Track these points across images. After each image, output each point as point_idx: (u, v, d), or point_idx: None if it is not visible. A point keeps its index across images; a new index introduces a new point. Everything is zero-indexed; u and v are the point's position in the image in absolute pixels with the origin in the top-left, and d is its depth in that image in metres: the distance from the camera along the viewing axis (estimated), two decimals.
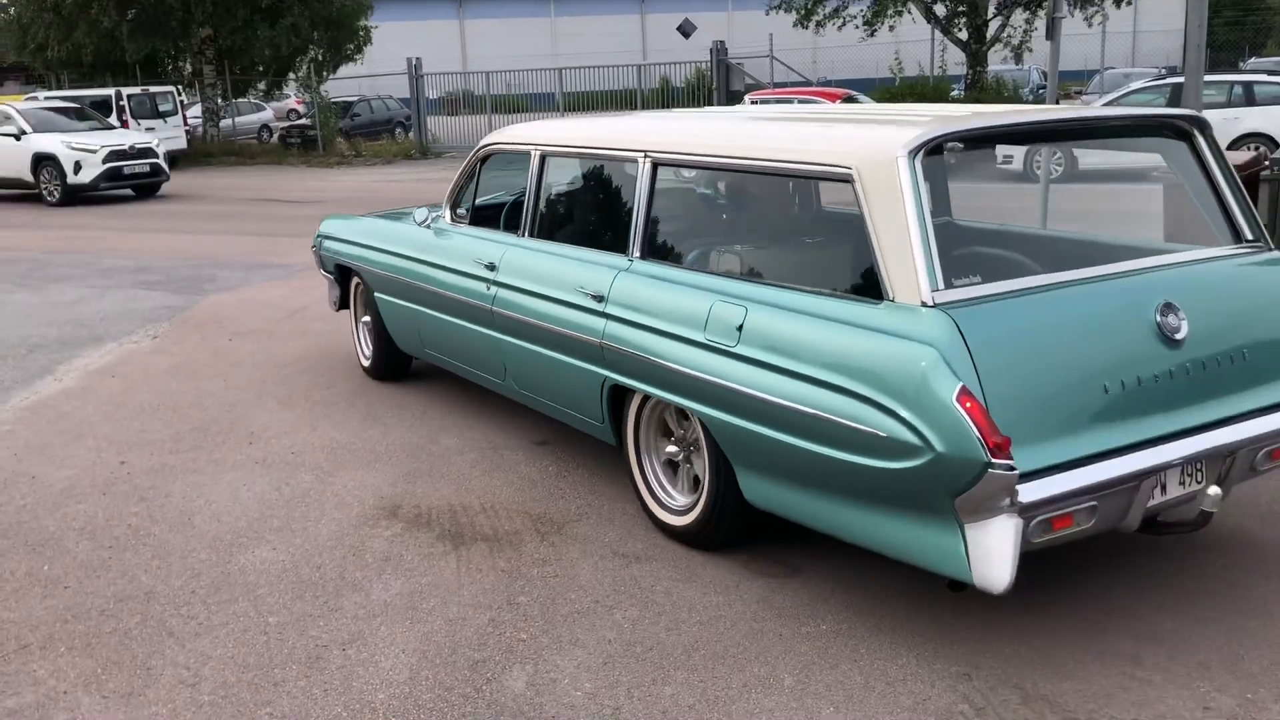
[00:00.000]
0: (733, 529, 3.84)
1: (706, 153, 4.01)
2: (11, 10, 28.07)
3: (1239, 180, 3.83)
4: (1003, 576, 2.83)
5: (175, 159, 25.20)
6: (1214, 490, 3.22)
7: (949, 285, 3.07)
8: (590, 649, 3.31)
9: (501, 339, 4.76)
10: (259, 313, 8.49)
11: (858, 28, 23.31)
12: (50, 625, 3.56)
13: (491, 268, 4.77)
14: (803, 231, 4.34)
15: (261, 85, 30.62)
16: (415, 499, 4.55)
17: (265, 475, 4.89)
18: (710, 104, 24.79)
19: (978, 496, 2.81)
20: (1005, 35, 21.38)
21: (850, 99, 18.13)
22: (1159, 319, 3.23)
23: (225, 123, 29.49)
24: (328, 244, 6.49)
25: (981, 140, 4.05)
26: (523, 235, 4.75)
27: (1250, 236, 3.78)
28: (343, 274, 6.47)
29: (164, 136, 24.66)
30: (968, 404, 2.81)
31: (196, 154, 26.30)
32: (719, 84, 24.36)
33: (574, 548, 4.02)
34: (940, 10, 21.90)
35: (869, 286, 3.22)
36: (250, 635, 3.45)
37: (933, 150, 3.26)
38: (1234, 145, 14.72)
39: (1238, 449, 3.30)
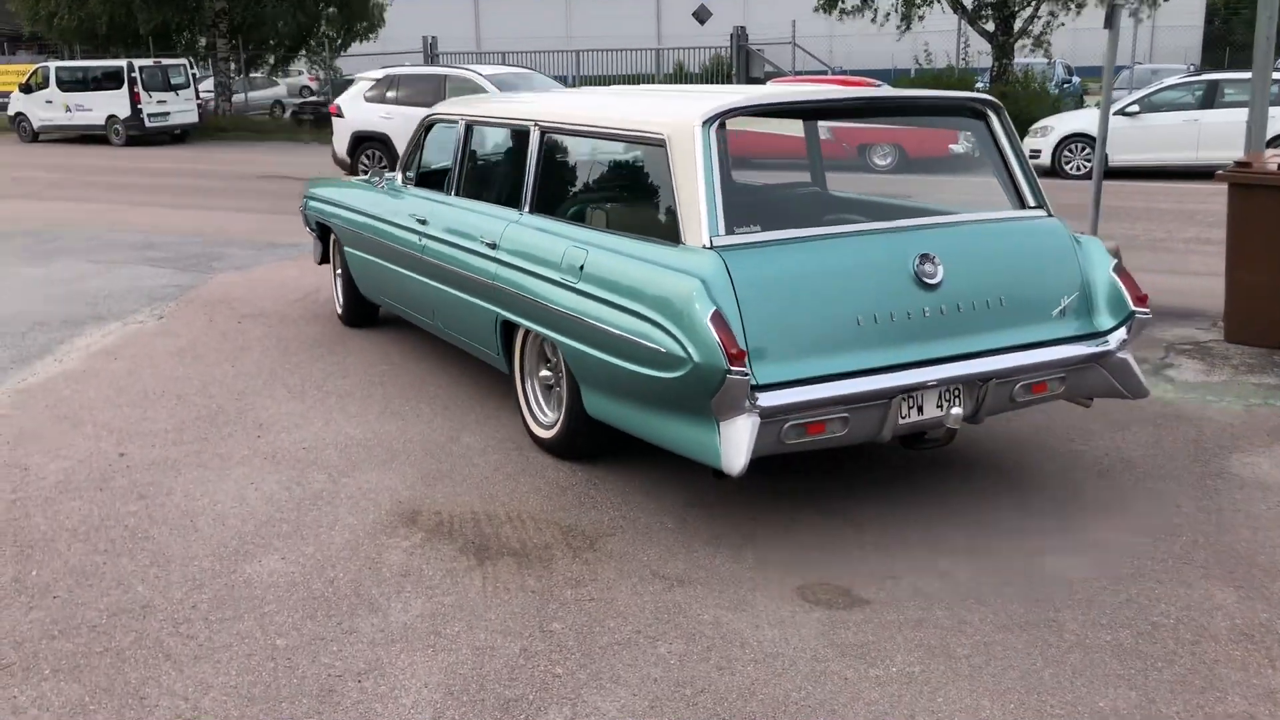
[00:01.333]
0: (586, 441, 4.54)
1: (578, 123, 4.76)
2: None
3: (1024, 155, 4.50)
4: (739, 462, 3.45)
5: (186, 133, 24.93)
6: (956, 411, 3.83)
7: (730, 232, 3.77)
8: (634, 688, 2.97)
9: (428, 283, 5.47)
10: (270, 294, 8.15)
11: (886, 25, 22.89)
12: (36, 641, 3.23)
13: (423, 222, 5.51)
14: (638, 187, 4.85)
15: (271, 60, 30.20)
16: (436, 504, 4.22)
17: (275, 473, 4.55)
18: None
19: (724, 399, 3.46)
20: (1032, 28, 20.89)
21: (874, 89, 17.73)
22: (916, 267, 3.85)
23: (238, 98, 29.10)
24: (311, 204, 7.25)
25: (774, 114, 4.59)
26: (448, 194, 5.50)
27: (1032, 203, 4.43)
28: (323, 231, 7.17)
29: (176, 109, 24.42)
30: (717, 324, 3.47)
31: (208, 128, 25.95)
32: (738, 70, 23.92)
33: (609, 566, 3.68)
34: (968, 1, 21.41)
35: (671, 232, 3.89)
36: (256, 661, 3.11)
37: (723, 122, 3.92)
38: (1272, 143, 14.33)
39: (989, 379, 3.88)
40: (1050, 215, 4.41)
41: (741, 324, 3.57)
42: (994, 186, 4.48)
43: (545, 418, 4.78)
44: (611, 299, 3.95)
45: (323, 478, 4.50)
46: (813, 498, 4.21)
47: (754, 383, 3.51)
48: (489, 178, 5.60)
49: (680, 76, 26.48)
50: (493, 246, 4.78)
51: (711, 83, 25.31)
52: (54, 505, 4.23)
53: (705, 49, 25.89)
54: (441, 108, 6.02)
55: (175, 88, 24.63)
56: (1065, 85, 25.72)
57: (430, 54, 26.36)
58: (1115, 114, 15.89)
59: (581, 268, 4.16)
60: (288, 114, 30.07)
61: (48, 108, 25.03)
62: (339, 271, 6.98)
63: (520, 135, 5.08)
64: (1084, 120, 16.03)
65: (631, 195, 4.87)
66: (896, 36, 22.90)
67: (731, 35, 23.76)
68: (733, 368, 3.42)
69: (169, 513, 4.16)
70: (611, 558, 3.74)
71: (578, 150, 5.21)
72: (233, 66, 28.56)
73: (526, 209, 4.77)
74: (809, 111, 5.13)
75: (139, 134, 23.94)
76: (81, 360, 6.37)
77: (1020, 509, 4.15)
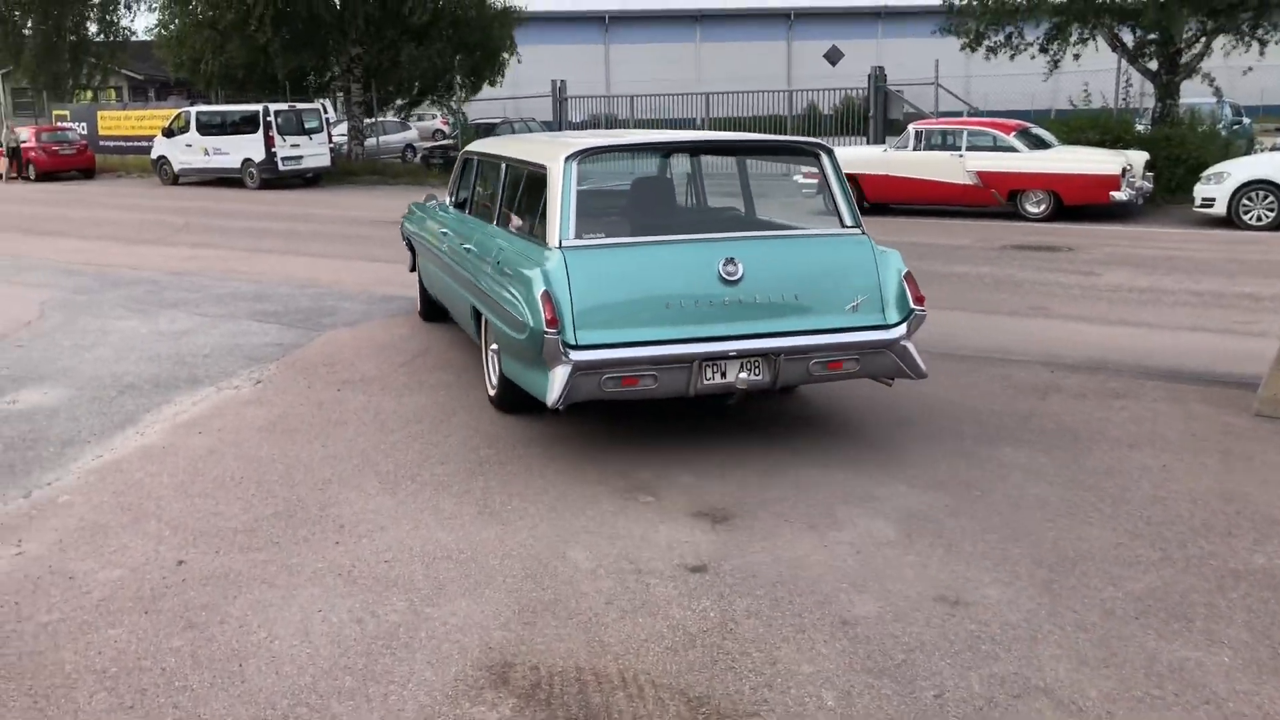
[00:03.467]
0: (509, 397, 5.79)
1: (509, 155, 6.28)
2: (172, 27, 28.48)
3: (846, 185, 5.67)
4: (553, 397, 4.79)
5: (318, 176, 25.14)
6: (744, 375, 4.98)
7: (578, 237, 5.07)
8: None
9: (449, 282, 6.93)
10: (375, 356, 7.56)
11: (1033, 57, 21.61)
12: None
13: (446, 234, 7.16)
14: (536, 203, 5.58)
15: (399, 101, 30.36)
16: (534, 654, 3.41)
17: (348, 595, 3.83)
18: (864, 131, 23.37)
19: (547, 353, 4.78)
20: (1200, 66, 19.32)
21: (1025, 131, 16.51)
22: (721, 267, 4.99)
23: (370, 141, 29.36)
24: (404, 224, 8.96)
25: (625, 152, 6.58)
26: (465, 212, 7.20)
27: (849, 223, 5.53)
28: (410, 245, 8.77)
29: (309, 153, 24.64)
30: (544, 300, 4.79)
31: (340, 172, 26.15)
32: (876, 111, 22.91)
33: None
34: (1128, 38, 19.99)
35: (543, 236, 5.16)
36: None
37: (585, 158, 5.30)
38: None
39: (779, 353, 4.98)
40: (861, 233, 5.48)
41: (571, 302, 4.89)
42: (825, 209, 5.71)
43: (492, 381, 6.13)
44: (504, 283, 5.39)
45: (403, 605, 3.75)
46: None
47: (571, 343, 4.83)
48: (484, 199, 6.88)
49: (813, 118, 25.58)
50: (469, 251, 6.37)
51: (847, 124, 24.39)
52: (90, 633, 3.58)
53: (837, 90, 24.94)
54: (470, 147, 7.67)
55: (309, 131, 24.86)
56: (1235, 127, 23.88)
57: (559, 98, 26.11)
58: None
59: (498, 261, 5.66)
60: (418, 157, 30.22)
61: (187, 151, 25.58)
62: (419, 275, 8.56)
63: (498, 166, 6.49)
64: (1266, 166, 14.51)
65: (532, 209, 5.72)
66: (1043, 76, 21.57)
67: (869, 76, 22.77)
68: (548, 330, 4.78)
69: (217, 651, 3.46)
70: None
71: (513, 175, 6.18)
72: (365, 110, 28.81)
73: (494, 222, 6.26)
74: (660, 150, 6.86)
75: (272, 177, 24.20)
76: (164, 433, 5.82)
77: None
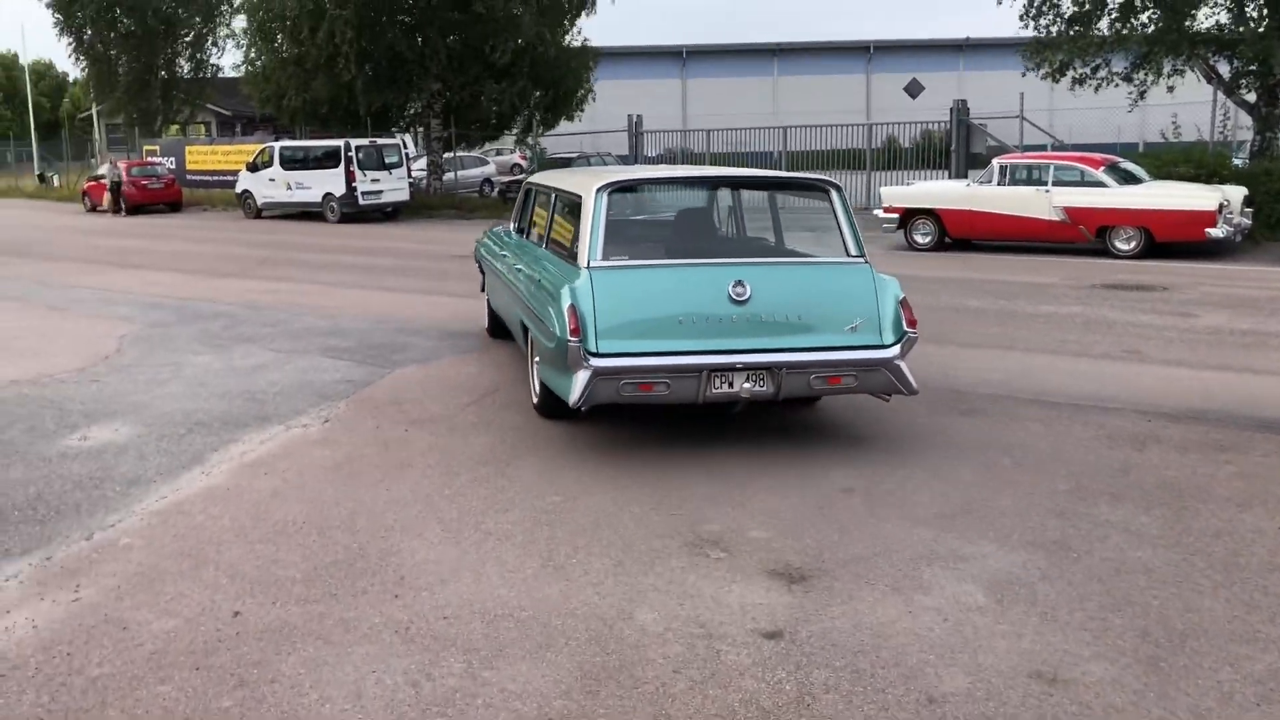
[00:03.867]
0: (551, 404, 6.34)
1: (556, 186, 7.02)
2: (258, 63, 29.19)
3: (853, 218, 6.08)
4: (574, 398, 5.47)
5: (397, 210, 25.44)
6: (747, 385, 5.54)
7: (606, 259, 5.73)
8: None
9: (507, 298, 7.64)
10: (444, 395, 7.45)
11: (1117, 85, 21.02)
12: None
13: (505, 256, 7.91)
14: (574, 228, 6.20)
15: (479, 138, 30.65)
16: None
17: (404, 655, 3.66)
18: (945, 165, 22.95)
19: (570, 359, 5.46)
20: None
21: (1114, 165, 15.99)
22: (731, 289, 5.58)
23: (448, 176, 29.69)
24: (478, 248, 9.74)
25: (653, 185, 7.54)
26: (523, 237, 7.98)
27: (854, 252, 5.99)
28: (481, 267, 9.54)
29: (388, 187, 24.97)
30: (570, 314, 5.48)
31: (418, 206, 26.45)
32: (958, 145, 22.50)
33: None
34: (1224, 69, 19.34)
35: (576, 257, 5.87)
36: None
37: (615, 190, 6.07)
38: None
39: (781, 367, 5.54)
40: (865, 262, 5.96)
41: (594, 316, 5.52)
42: (837, 240, 6.08)
43: (535, 388, 6.67)
44: (543, 298, 6.10)
45: (460, 668, 3.57)
46: None
47: (593, 350, 5.46)
48: (536, 224, 7.65)
49: (892, 151, 25.22)
50: (518, 271, 7.17)
51: (927, 158, 23.98)
52: (138, 689, 3.46)
53: (917, 124, 24.57)
54: (529, 179, 8.43)
55: (389, 166, 25.22)
56: None
57: (635, 132, 26.13)
58: None
59: (540, 280, 6.41)
60: (495, 192, 30.47)
61: (270, 185, 26.11)
62: (486, 296, 9.43)
63: (549, 196, 7.23)
64: None
65: (571, 233, 6.28)
66: (1127, 108, 20.97)
67: (951, 109, 22.38)
68: (571, 339, 5.43)
69: (266, 713, 3.30)
70: None
71: (559, 204, 6.87)
72: (444, 145, 29.17)
73: (542, 246, 7.01)
74: (684, 184, 7.69)
75: (352, 211, 24.55)
76: (229, 474, 5.74)
77: None
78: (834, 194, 6.15)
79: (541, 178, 7.97)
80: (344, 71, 26.20)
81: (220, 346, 9.36)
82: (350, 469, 5.81)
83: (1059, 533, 4.73)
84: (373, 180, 24.77)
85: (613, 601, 4.07)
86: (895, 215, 17.10)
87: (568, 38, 29.15)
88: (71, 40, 37.01)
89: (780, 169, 24.38)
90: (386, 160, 25.20)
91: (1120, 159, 16.74)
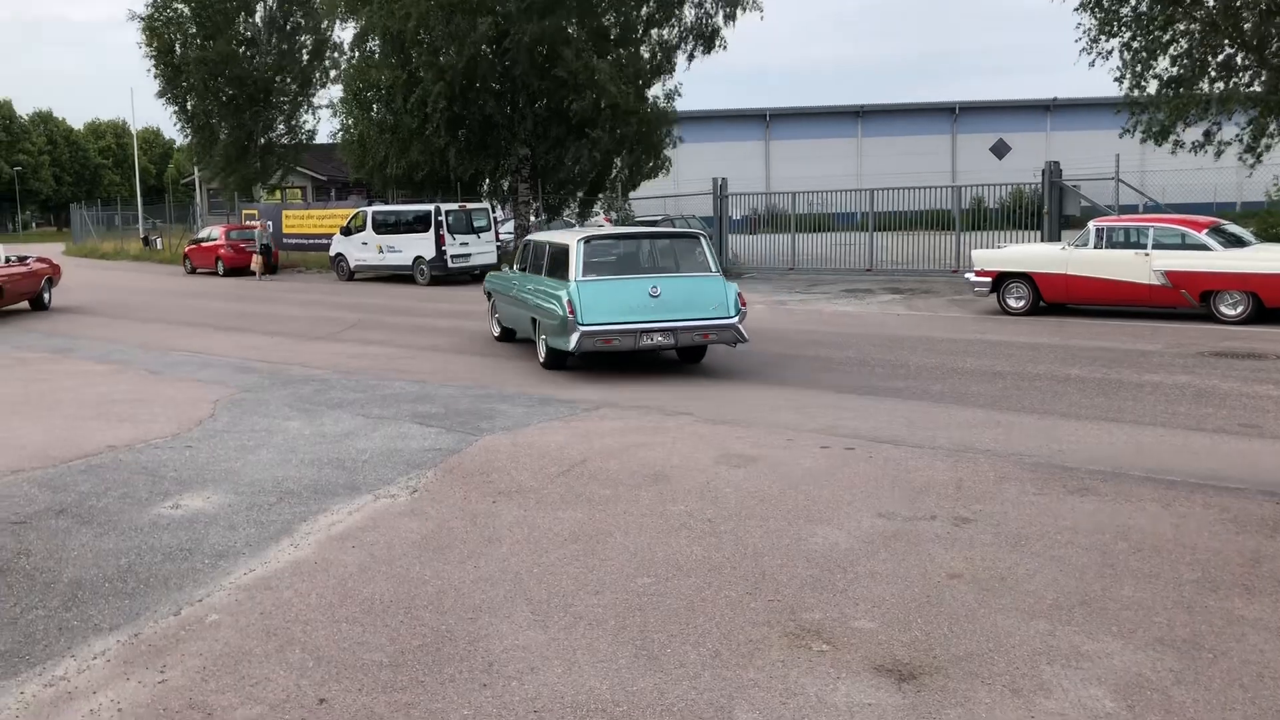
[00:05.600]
0: (552, 361, 11.63)
1: (549, 240, 12.37)
2: (354, 130, 29.99)
3: (713, 250, 11.78)
4: (570, 346, 10.81)
5: (485, 272, 25.74)
6: (660, 339, 10.93)
7: (585, 275, 11.01)
8: None
9: (518, 309, 12.81)
10: (532, 464, 7.34)
11: (1205, 155, 20.47)
12: None
13: (514, 283, 13.13)
14: (564, 263, 11.33)
15: (578, 196, 30.90)
16: None
17: None
18: (1035, 226, 22.46)
19: (569, 327, 10.78)
20: None
21: (1217, 227, 15.42)
22: (650, 290, 10.89)
23: None
24: (485, 283, 14.93)
25: (605, 238, 12.08)
26: (524, 271, 12.90)
27: (713, 270, 11.37)
28: (488, 295, 14.66)
29: (477, 250, 25.31)
30: (568, 305, 10.79)
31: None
32: (1050, 206, 22.00)
33: None
34: None
35: (567, 277, 11.12)
36: None
37: (587, 240, 11.44)
38: None
39: (678, 329, 10.88)
40: (719, 274, 11.34)
41: (580, 304, 10.67)
42: (707, 263, 11.48)
43: (540, 355, 11.80)
44: (549, 299, 11.28)
45: None
46: None
47: (580, 322, 10.61)
48: (535, 263, 12.40)
49: (979, 212, 24.79)
50: (529, 290, 12.17)
51: (1016, 218, 23.50)
52: None
53: (1005, 185, 24.15)
54: (530, 235, 13.86)
55: (478, 230, 25.60)
56: None
57: (719, 195, 26.15)
58: None
59: (545, 290, 11.53)
60: None
61: (363, 249, 26.66)
62: (494, 314, 14.39)
63: (542, 246, 12.35)
64: None
65: (563, 265, 11.28)
66: (1239, 169, 20.35)
67: (1044, 170, 21.94)
68: (569, 316, 10.66)
69: None
70: None
71: (551, 250, 11.91)
72: (533, 208, 29.54)
73: (541, 273, 11.97)
74: (627, 237, 12.54)
75: (442, 274, 24.92)
76: (317, 547, 5.68)
77: None
78: (703, 240, 11.67)
79: (537, 235, 13.36)
80: (435, 138, 26.76)
81: (310, 411, 9.42)
82: (438, 543, 5.70)
83: (1189, 629, 4.39)
84: (462, 244, 25.16)
85: (710, 698, 3.86)
86: (988, 279, 16.70)
87: (649, 94, 29.39)
88: (176, 108, 38.58)
89: (868, 230, 24.21)
90: (475, 224, 25.59)
91: (1223, 220, 16.17)
